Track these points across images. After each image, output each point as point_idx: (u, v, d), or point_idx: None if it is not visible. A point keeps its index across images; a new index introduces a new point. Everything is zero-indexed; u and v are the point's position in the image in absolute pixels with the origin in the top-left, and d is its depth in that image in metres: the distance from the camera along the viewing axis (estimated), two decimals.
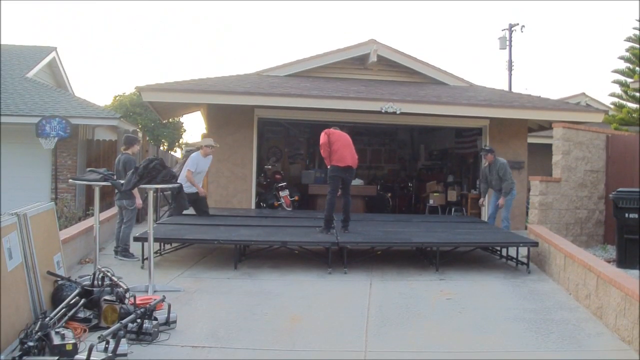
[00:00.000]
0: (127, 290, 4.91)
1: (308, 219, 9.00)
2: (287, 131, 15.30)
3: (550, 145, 9.51)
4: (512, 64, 24.24)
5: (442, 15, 73.82)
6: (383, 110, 10.23)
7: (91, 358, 3.64)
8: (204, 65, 70.44)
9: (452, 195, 13.01)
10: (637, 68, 15.58)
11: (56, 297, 4.85)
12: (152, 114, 18.65)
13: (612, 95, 16.26)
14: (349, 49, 12.11)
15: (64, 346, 3.82)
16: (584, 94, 19.46)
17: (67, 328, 4.22)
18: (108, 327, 4.24)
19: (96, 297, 4.81)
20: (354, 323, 4.95)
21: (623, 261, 7.42)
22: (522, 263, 7.26)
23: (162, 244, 7.54)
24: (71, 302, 4.66)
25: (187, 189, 8.64)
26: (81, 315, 4.67)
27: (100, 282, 5.14)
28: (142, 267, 6.79)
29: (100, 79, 56.38)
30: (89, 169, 6.67)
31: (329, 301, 5.67)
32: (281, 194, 11.74)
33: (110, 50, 66.44)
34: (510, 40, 24.40)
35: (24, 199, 8.41)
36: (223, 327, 4.75)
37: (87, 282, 5.12)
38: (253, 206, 11.14)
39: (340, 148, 7.43)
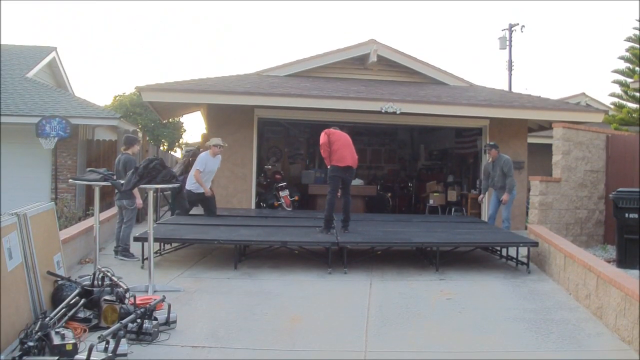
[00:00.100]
0: (127, 290, 4.91)
1: (308, 219, 9.00)
2: (287, 131, 15.30)
3: (550, 145, 9.51)
4: (512, 64, 24.26)
5: (442, 15, 73.88)
6: (383, 110, 10.23)
7: (91, 358, 3.64)
8: (204, 65, 70.53)
9: (452, 195, 13.01)
10: (637, 68, 15.57)
11: (56, 297, 4.85)
12: (152, 114, 18.65)
13: (612, 95, 16.26)
14: (349, 49, 12.11)
15: (64, 346, 3.82)
16: (584, 94, 19.45)
17: (67, 328, 4.23)
18: (108, 327, 4.24)
19: (96, 297, 4.81)
20: (354, 323, 4.95)
21: (623, 261, 7.42)
22: (522, 263, 7.26)
23: (162, 244, 7.54)
24: (71, 302, 4.66)
25: (197, 189, 8.64)
26: (81, 315, 4.67)
27: (100, 282, 5.14)
28: (142, 267, 6.79)
29: (100, 79, 56.46)
30: (89, 169, 6.67)
31: (329, 301, 5.67)
32: (281, 194, 11.74)
33: (110, 50, 66.52)
34: (510, 40, 24.41)
35: (24, 199, 8.41)
36: (223, 327, 4.75)
37: (87, 282, 5.12)
38: (253, 206, 11.14)
39: (340, 148, 7.43)
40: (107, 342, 3.84)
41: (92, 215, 7.42)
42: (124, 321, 4.25)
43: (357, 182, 11.87)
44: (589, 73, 56.21)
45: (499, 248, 7.95)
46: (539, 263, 7.39)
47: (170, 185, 6.09)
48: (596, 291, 5.25)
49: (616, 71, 16.07)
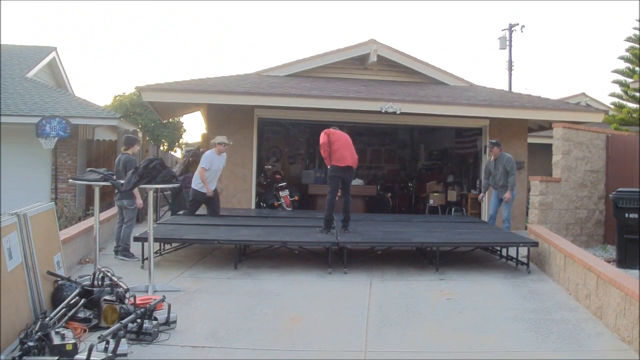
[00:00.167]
0: (127, 290, 4.91)
1: (308, 219, 9.00)
2: (287, 131, 15.30)
3: (550, 145, 9.51)
4: (512, 64, 24.26)
5: (442, 15, 73.88)
6: (383, 110, 10.23)
7: (91, 358, 3.64)
8: (204, 65, 70.52)
9: (452, 195, 13.01)
10: (637, 68, 15.57)
11: (56, 297, 4.85)
12: (152, 114, 18.65)
13: (612, 95, 16.26)
14: (349, 49, 12.11)
15: (64, 346, 3.82)
16: (584, 94, 19.45)
17: (67, 328, 4.23)
18: (108, 327, 4.24)
19: (96, 297, 4.81)
20: (354, 323, 4.95)
21: (623, 261, 7.42)
22: (522, 263, 7.26)
23: (162, 244, 7.54)
24: (71, 302, 4.66)
25: (202, 188, 8.61)
26: (81, 315, 4.67)
27: (100, 282, 5.14)
28: (142, 267, 6.79)
29: (100, 79, 56.44)
30: (89, 169, 6.67)
31: (329, 301, 5.67)
32: (281, 194, 11.74)
33: (110, 50, 66.51)
34: (510, 40, 24.41)
35: (24, 199, 8.41)
36: (223, 327, 4.75)
37: (87, 282, 5.13)
38: (253, 206, 11.14)
39: (340, 148, 7.43)
40: (107, 342, 3.84)
41: (92, 215, 7.42)
42: (124, 321, 4.25)
43: (357, 182, 11.87)
44: (589, 73, 56.26)
45: (499, 248, 7.95)
46: (539, 263, 7.39)
47: (170, 185, 6.09)
48: (596, 291, 5.25)
49: (616, 71, 16.08)
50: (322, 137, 7.44)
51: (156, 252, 7.22)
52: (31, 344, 3.80)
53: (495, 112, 10.87)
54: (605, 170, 9.73)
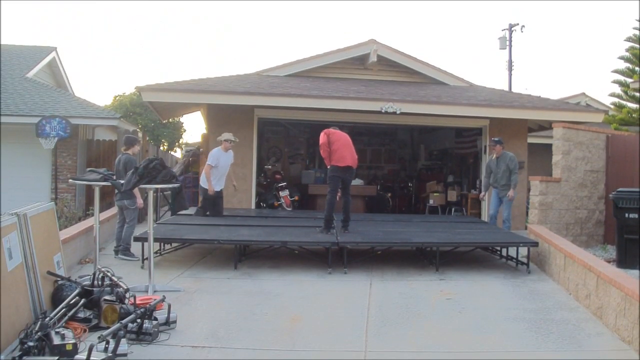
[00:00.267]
0: (127, 290, 4.91)
1: (308, 219, 9.00)
2: (287, 131, 15.30)
3: (550, 145, 9.51)
4: (512, 64, 24.27)
5: (442, 15, 73.87)
6: (383, 110, 10.23)
7: (91, 358, 3.64)
8: (204, 65, 70.48)
9: (452, 195, 13.01)
10: (637, 68, 15.57)
11: (56, 297, 4.85)
12: (152, 114, 18.64)
13: (612, 95, 16.26)
14: (349, 49, 12.11)
15: (64, 346, 3.82)
16: (584, 94, 19.45)
17: (67, 328, 4.23)
18: (108, 327, 4.24)
19: (96, 297, 4.81)
20: (354, 323, 4.95)
21: (623, 261, 7.42)
22: (522, 263, 7.26)
23: (162, 244, 7.54)
24: (71, 302, 4.66)
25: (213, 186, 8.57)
26: (81, 315, 4.67)
27: (100, 282, 5.14)
28: (142, 267, 6.79)
29: (100, 79, 56.41)
30: (89, 169, 6.67)
31: (329, 301, 5.67)
32: (281, 194, 11.74)
33: (110, 50, 66.48)
34: (510, 40, 24.41)
35: (24, 199, 8.41)
36: (223, 327, 4.75)
37: (87, 282, 5.13)
38: (253, 206, 11.14)
39: (340, 148, 7.43)
40: (107, 342, 3.84)
41: (92, 215, 7.42)
42: (124, 321, 4.25)
43: (357, 182, 11.87)
44: (589, 73, 56.25)
45: (499, 248, 7.95)
46: (539, 263, 7.39)
47: (170, 185, 6.09)
48: (596, 291, 5.25)
49: (616, 71, 16.08)
50: (322, 137, 7.44)
51: (156, 252, 7.23)
52: (31, 344, 3.80)
53: (495, 112, 10.87)
54: (605, 170, 9.73)
